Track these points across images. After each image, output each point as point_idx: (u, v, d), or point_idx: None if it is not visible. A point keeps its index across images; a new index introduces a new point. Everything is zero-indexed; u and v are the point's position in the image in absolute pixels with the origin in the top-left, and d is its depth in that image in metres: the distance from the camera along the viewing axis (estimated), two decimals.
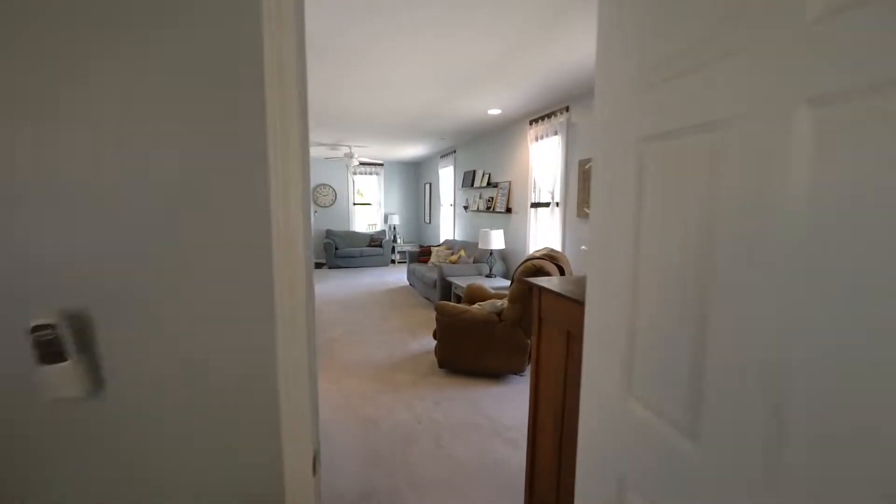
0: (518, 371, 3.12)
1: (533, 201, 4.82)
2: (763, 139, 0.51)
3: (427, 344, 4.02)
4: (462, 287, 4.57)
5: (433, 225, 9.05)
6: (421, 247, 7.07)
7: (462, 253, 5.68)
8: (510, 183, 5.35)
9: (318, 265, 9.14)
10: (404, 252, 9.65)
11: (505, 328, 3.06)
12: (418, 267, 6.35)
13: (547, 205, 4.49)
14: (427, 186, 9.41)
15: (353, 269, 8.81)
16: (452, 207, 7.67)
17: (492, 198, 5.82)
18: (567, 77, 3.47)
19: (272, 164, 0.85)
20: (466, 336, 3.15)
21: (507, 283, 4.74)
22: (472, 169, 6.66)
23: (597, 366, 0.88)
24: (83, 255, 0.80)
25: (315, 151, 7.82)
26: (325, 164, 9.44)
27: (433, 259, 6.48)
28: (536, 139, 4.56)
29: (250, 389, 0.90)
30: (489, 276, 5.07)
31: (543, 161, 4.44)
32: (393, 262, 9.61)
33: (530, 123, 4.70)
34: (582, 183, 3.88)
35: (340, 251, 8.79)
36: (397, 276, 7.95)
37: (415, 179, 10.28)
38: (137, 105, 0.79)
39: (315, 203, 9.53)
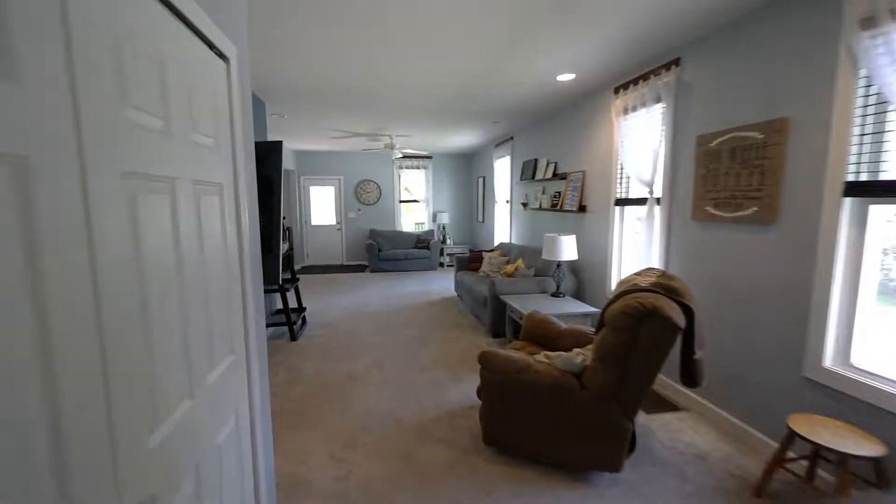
0: (612, 468, 1.97)
1: (619, 197, 3.57)
2: None
3: (471, 393, 2.98)
4: (520, 312, 3.46)
5: (487, 225, 7.96)
6: (471, 252, 6.03)
7: (520, 263, 4.54)
8: (584, 174, 4.12)
9: (360, 268, 8.43)
10: (454, 255, 8.66)
11: (589, 400, 1.93)
12: (467, 276, 5.31)
13: (642, 201, 3.24)
14: (480, 181, 8.32)
15: (396, 272, 7.99)
16: (509, 205, 6.53)
17: (559, 193, 4.62)
18: (677, 15, 2.24)
19: None
20: (527, 405, 2.06)
21: (582, 307, 3.55)
22: (532, 158, 5.47)
23: None
24: None
25: (351, 143, 7.04)
26: (368, 158, 8.68)
27: (484, 267, 5.40)
28: (625, 112, 3.31)
29: None
30: (556, 295, 3.90)
31: (636, 141, 3.18)
32: (441, 265, 8.67)
33: (616, 91, 3.45)
34: (703, 168, 2.60)
35: (384, 253, 8.00)
36: (444, 283, 6.97)
37: (466, 173, 9.23)
38: None
39: (358, 200, 8.84)
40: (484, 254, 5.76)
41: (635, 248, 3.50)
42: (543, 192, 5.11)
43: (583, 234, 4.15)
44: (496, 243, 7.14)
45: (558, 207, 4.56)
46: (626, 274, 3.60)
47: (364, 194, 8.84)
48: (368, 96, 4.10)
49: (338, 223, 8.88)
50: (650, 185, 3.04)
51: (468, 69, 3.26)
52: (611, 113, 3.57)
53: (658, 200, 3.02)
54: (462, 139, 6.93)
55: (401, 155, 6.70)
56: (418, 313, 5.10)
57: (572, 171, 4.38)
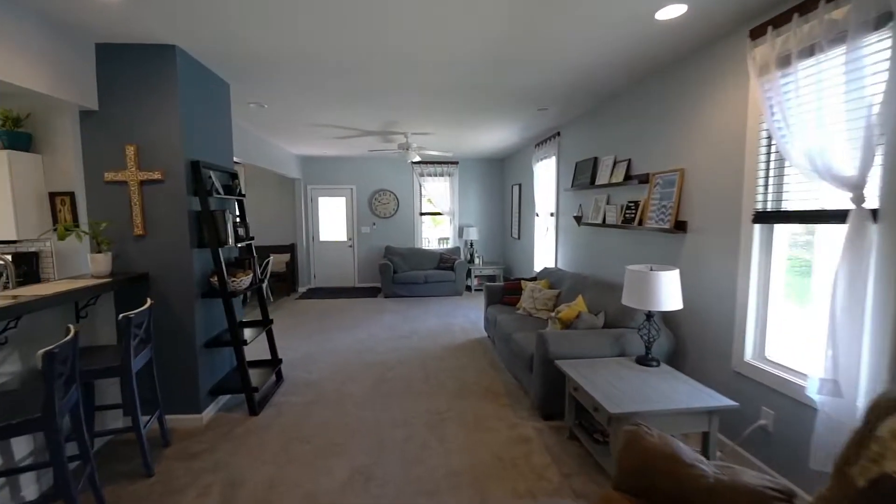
0: None
1: (760, 208, 2.14)
2: None
3: None
4: (593, 399, 2.06)
5: (523, 243, 6.58)
6: (507, 280, 4.67)
7: (581, 305, 3.15)
8: (682, 174, 2.72)
9: (374, 291, 7.21)
10: (483, 277, 7.32)
11: None
12: (502, 315, 3.96)
13: (825, 217, 1.81)
14: (515, 189, 6.98)
15: (414, 298, 6.71)
16: (553, 218, 5.15)
17: (634, 203, 3.22)
18: None
19: None
20: None
21: (699, 395, 2.08)
22: (589, 157, 4.10)
23: None
24: None
25: (361, 146, 5.81)
26: (384, 164, 7.53)
27: (525, 303, 4.03)
28: (782, 63, 1.91)
29: None
30: (646, 362, 2.48)
31: (813, 110, 1.77)
32: (468, 289, 7.33)
33: (756, 34, 2.06)
34: None
35: (400, 275, 6.76)
36: (472, 315, 5.62)
37: (498, 181, 7.91)
38: None
39: (373, 213, 7.67)
40: (523, 283, 4.39)
41: (796, 296, 2.06)
42: (608, 202, 3.71)
43: (682, 265, 2.73)
44: (537, 267, 5.75)
45: (634, 223, 3.16)
46: (775, 340, 2.15)
47: (379, 206, 7.67)
48: (365, 73, 2.88)
49: (349, 239, 7.73)
50: (855, 185, 1.62)
51: (504, 16, 1.97)
52: (746, 69, 2.18)
53: (874, 214, 1.59)
54: (494, 138, 5.63)
55: (418, 158, 5.47)
56: (436, 367, 3.77)
57: (659, 170, 2.98)
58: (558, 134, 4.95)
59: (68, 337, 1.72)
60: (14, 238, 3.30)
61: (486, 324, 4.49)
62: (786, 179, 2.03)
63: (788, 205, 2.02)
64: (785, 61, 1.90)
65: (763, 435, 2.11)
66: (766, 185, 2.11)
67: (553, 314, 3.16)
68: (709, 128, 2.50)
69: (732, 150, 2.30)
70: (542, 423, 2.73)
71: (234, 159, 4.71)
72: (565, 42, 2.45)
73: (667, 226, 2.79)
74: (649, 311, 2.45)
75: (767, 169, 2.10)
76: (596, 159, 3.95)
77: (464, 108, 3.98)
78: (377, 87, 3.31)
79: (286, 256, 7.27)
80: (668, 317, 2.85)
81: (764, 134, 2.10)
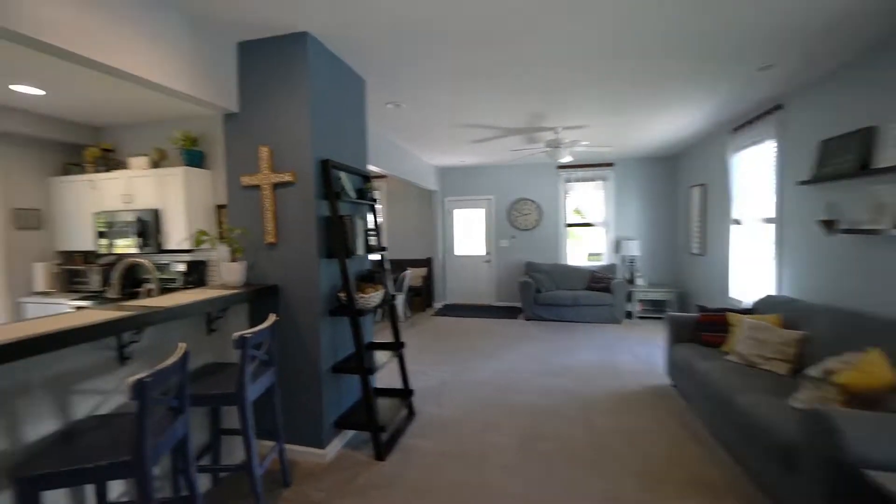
0: None
1: None
2: None
3: None
4: None
5: (711, 260, 5.05)
6: (703, 310, 3.38)
7: (883, 366, 1.87)
8: None
9: (512, 312, 6.47)
10: (648, 301, 5.96)
11: None
12: (703, 361, 2.80)
13: None
14: (695, 192, 5.49)
15: (561, 323, 5.74)
16: (774, 226, 3.67)
17: None
18: None
19: None
20: None
21: None
22: (851, 129, 2.68)
23: None
24: None
25: (499, 148, 5.13)
26: (525, 170, 6.82)
27: (741, 346, 2.78)
28: None
29: None
30: None
31: None
32: (628, 315, 6.03)
33: None
34: None
35: (544, 294, 5.89)
36: (640, 351, 4.42)
37: (669, 183, 6.43)
38: None
39: (511, 225, 7.00)
40: (732, 316, 3.11)
41: None
42: None
43: None
44: (735, 293, 4.24)
45: None
46: None
47: (519, 217, 6.96)
48: (512, 42, 2.23)
49: (487, 254, 7.18)
50: None
51: None
52: None
53: None
54: (666, 127, 4.42)
55: (569, 158, 4.60)
56: (605, 425, 2.80)
57: None
58: (778, 107, 3.53)
59: (170, 361, 1.41)
60: (188, 248, 3.55)
61: (672, 369, 3.31)
62: None
63: None
64: None
65: None
66: None
67: (817, 373, 1.94)
68: None
69: None
70: None
71: (377, 169, 4.58)
72: None
73: None
74: None
75: None
76: (868, 130, 2.54)
77: (640, 81, 3.02)
78: (526, 62, 2.62)
79: (423, 271, 7.08)
80: None
81: None
